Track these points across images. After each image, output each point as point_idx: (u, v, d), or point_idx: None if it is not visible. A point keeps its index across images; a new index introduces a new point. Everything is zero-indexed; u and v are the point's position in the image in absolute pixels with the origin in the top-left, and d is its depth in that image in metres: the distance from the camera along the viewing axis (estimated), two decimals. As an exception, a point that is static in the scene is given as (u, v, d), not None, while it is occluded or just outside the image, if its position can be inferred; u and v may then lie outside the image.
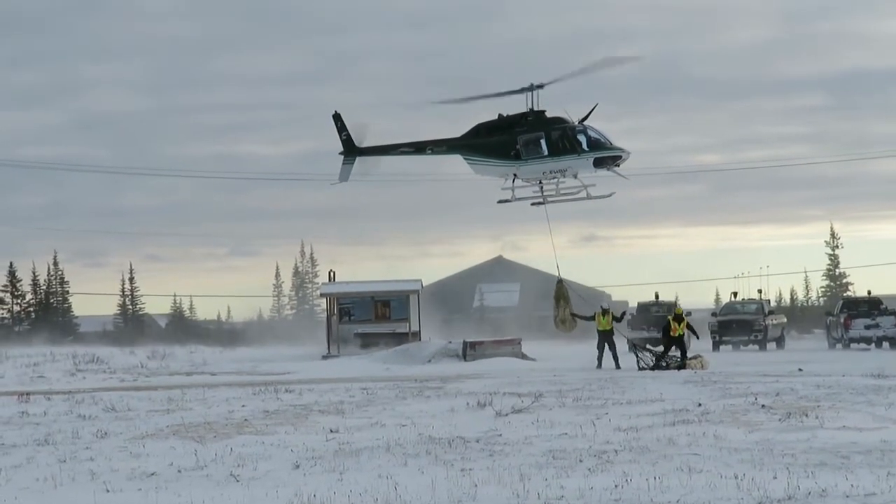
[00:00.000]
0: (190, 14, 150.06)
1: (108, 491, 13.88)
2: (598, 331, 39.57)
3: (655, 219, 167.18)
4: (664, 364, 37.45)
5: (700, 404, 22.09)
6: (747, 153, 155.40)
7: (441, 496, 12.85)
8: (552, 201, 38.14)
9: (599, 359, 38.89)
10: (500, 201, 38.43)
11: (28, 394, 29.12)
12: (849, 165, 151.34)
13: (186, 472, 15.12)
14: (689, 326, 39.49)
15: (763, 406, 21.34)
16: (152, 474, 14.93)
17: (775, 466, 14.13)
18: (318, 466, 15.23)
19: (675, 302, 62.95)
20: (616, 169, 36.85)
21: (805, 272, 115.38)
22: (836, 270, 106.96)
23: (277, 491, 13.42)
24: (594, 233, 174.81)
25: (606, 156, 36.37)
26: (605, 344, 39.07)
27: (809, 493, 12.36)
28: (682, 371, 35.74)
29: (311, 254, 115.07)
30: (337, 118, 37.50)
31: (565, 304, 39.24)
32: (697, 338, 42.75)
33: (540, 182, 37.64)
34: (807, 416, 19.43)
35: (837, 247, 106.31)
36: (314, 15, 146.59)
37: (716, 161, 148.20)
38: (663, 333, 39.17)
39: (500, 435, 18.19)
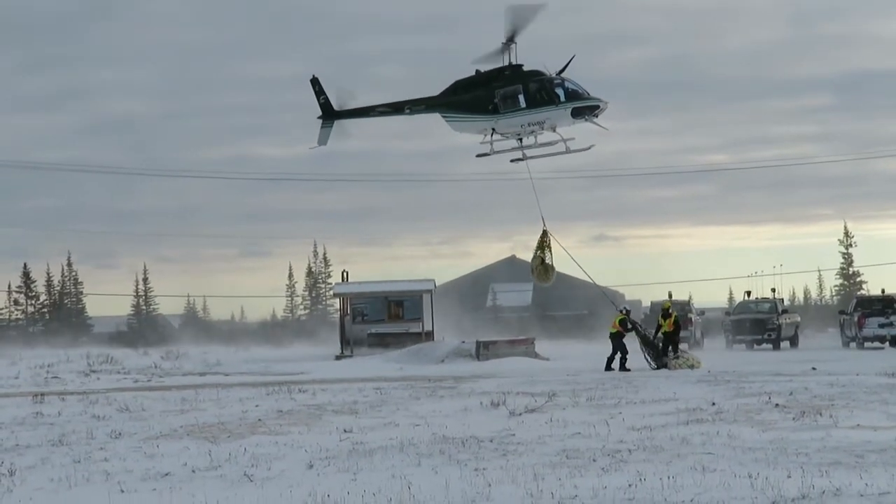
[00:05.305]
0: (202, 18, 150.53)
1: (122, 491, 13.90)
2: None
3: (666, 218, 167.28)
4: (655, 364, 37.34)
5: (714, 403, 22.08)
6: (757, 153, 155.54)
7: (455, 496, 12.85)
8: (532, 157, 38.01)
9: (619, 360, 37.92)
10: (478, 155, 38.30)
11: (42, 394, 29.19)
12: (859, 165, 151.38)
13: (200, 472, 15.14)
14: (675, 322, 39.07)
15: (777, 405, 21.31)
16: (166, 474, 14.95)
17: (789, 465, 14.11)
18: (332, 466, 15.24)
19: (688, 300, 63.02)
20: (595, 120, 36.67)
21: (819, 271, 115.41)
22: (850, 269, 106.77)
23: (291, 491, 13.43)
24: (605, 233, 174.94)
25: (584, 105, 36.19)
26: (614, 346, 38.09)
27: (824, 492, 12.34)
28: (694, 370, 35.59)
29: (324, 254, 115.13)
30: (315, 82, 37.55)
31: (543, 254, 38.89)
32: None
33: (519, 137, 37.54)
34: (821, 415, 19.40)
35: (851, 245, 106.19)
36: (326, 19, 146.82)
37: (725, 161, 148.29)
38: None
39: (514, 434, 18.19)
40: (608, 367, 36.99)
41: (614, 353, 37.46)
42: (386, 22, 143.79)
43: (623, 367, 36.77)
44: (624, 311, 39.46)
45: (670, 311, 39.25)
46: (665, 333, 38.49)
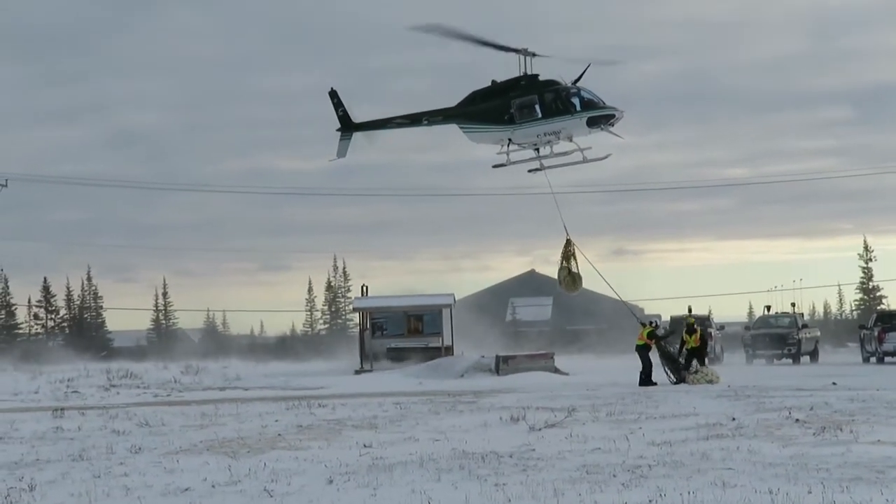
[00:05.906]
0: (221, 32, 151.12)
1: (142, 506, 13.93)
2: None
3: (686, 232, 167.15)
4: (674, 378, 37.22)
5: (734, 418, 22.03)
6: (775, 167, 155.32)
7: (474, 511, 12.84)
8: (549, 167, 38.12)
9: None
10: (495, 165, 38.47)
11: (62, 409, 29.25)
12: (878, 179, 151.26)
13: (220, 487, 15.14)
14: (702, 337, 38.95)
15: (797, 420, 21.25)
16: (186, 489, 14.96)
17: (810, 481, 14.05)
18: (352, 481, 15.22)
19: (708, 315, 62.81)
20: (610, 129, 36.79)
21: (838, 285, 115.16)
22: (870, 283, 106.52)
23: (311, 506, 13.44)
24: (624, 246, 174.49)
25: (600, 115, 36.34)
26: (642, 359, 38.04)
27: (845, 508, 12.31)
28: (713, 385, 35.51)
29: (344, 268, 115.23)
30: (333, 95, 37.72)
31: (569, 264, 38.90)
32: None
33: (536, 147, 37.67)
34: (841, 430, 19.33)
35: (871, 260, 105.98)
36: (343, 33, 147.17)
37: (744, 175, 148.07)
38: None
39: (534, 450, 18.16)
40: (646, 383, 36.72)
41: (646, 365, 37.37)
42: (403, 35, 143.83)
43: (643, 382, 36.66)
44: (652, 324, 39.42)
45: (695, 325, 39.16)
46: (690, 349, 38.34)
